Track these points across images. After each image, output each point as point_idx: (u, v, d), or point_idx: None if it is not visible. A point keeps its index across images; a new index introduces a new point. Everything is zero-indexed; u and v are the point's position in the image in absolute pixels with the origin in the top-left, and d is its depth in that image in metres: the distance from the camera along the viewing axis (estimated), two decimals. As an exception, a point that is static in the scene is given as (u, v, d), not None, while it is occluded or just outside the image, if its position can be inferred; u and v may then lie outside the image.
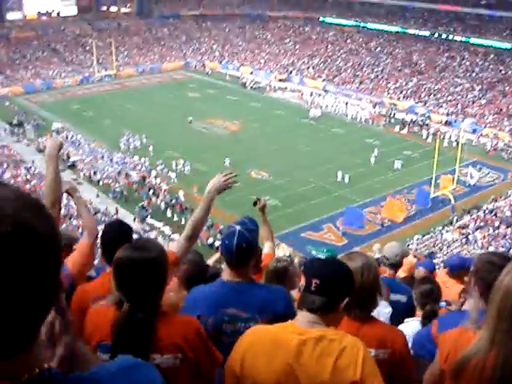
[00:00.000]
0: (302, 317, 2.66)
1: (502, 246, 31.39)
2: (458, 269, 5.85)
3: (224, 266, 3.61)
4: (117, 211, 35.20)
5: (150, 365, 1.60)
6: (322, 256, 7.45)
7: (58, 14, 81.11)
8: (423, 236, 33.21)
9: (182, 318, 3.01)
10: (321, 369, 2.51)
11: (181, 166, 41.56)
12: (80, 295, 3.72)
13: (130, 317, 2.75)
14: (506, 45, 63.04)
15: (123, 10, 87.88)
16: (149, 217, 35.12)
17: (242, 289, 3.40)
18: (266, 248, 5.25)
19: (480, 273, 3.28)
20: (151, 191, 38.03)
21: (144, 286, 2.75)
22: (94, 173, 40.28)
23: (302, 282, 2.75)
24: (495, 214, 35.90)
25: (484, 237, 32.94)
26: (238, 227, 3.39)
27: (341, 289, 2.68)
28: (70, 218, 31.83)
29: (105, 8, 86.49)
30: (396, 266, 5.69)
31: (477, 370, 2.32)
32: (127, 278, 2.76)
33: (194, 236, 3.86)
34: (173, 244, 3.70)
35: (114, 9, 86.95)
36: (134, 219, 34.93)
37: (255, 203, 5.62)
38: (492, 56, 63.69)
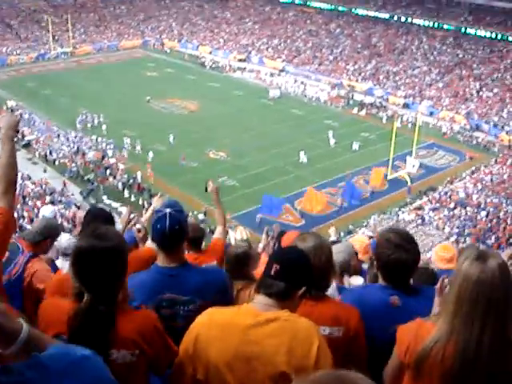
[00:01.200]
0: (259, 300, 2.65)
1: (458, 227, 32.00)
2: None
3: (157, 250, 3.55)
4: (64, 184, 34.87)
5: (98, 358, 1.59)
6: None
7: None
8: (379, 216, 33.60)
9: (139, 312, 2.92)
10: (274, 349, 2.48)
11: (129, 144, 41.34)
12: (59, 283, 3.63)
13: (91, 309, 2.65)
14: (463, 29, 63.74)
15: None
16: (105, 197, 34.70)
17: (176, 273, 3.40)
18: (217, 232, 5.18)
19: (378, 249, 3.38)
20: (108, 171, 37.58)
21: (104, 275, 2.66)
22: (50, 152, 39.59)
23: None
24: (450, 196, 36.51)
25: (439, 218, 33.49)
26: (167, 210, 3.38)
27: (300, 276, 2.67)
28: (25, 198, 31.20)
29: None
30: (344, 271, 5.19)
31: (437, 360, 2.32)
32: (87, 268, 2.65)
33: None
34: None
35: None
36: (81, 193, 34.72)
37: (206, 189, 5.55)
38: (450, 40, 64.37)
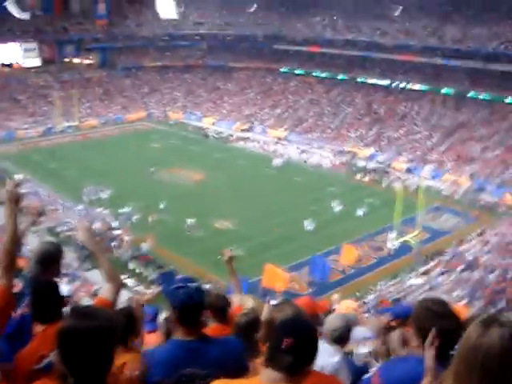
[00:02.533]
0: (268, 375, 2.58)
1: (467, 290, 31.59)
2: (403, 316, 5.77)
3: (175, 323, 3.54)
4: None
5: None
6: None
7: (21, 65, 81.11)
8: (387, 282, 33.30)
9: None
10: None
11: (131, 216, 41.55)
12: (21, 362, 3.41)
13: None
14: (462, 92, 64.71)
15: (86, 61, 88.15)
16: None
17: (195, 347, 3.38)
18: (236, 301, 5.18)
19: (419, 319, 3.28)
20: (114, 243, 37.51)
21: (91, 359, 2.50)
22: (55, 226, 39.66)
23: None
24: (458, 259, 36.23)
25: (448, 282, 33.13)
26: (193, 284, 3.40)
27: (311, 351, 2.63)
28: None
29: (68, 60, 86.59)
30: (338, 341, 5.16)
31: None
32: (75, 351, 2.49)
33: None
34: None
35: (76, 60, 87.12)
36: (79, 258, 34.90)
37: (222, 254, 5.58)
38: (450, 104, 65.25)
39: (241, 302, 5.54)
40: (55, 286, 3.91)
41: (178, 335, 3.46)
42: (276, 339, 2.63)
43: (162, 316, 5.69)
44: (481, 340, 2.13)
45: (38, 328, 3.70)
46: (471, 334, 2.17)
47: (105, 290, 4.09)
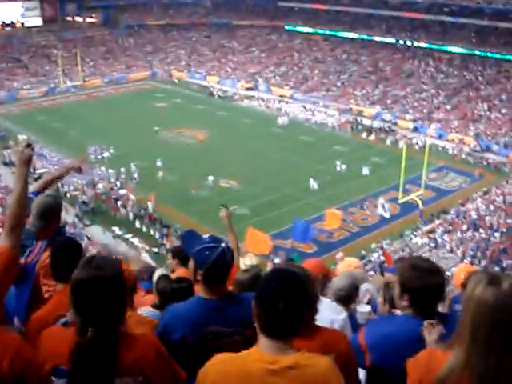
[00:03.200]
0: (267, 343, 2.49)
1: (471, 249, 31.74)
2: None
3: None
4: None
5: None
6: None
7: (23, 24, 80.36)
8: (392, 241, 33.43)
9: (141, 337, 2.84)
10: None
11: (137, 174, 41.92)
12: (36, 324, 3.43)
13: (94, 344, 2.59)
14: (469, 51, 64.00)
15: (88, 20, 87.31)
16: (117, 228, 34.72)
17: (221, 306, 3.34)
18: None
19: (403, 275, 3.24)
20: (119, 202, 37.65)
21: (106, 306, 2.60)
22: (62, 185, 39.74)
23: None
24: (464, 218, 36.31)
25: (452, 240, 33.25)
26: (223, 244, 3.36)
27: (304, 307, 2.57)
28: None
29: (70, 18, 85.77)
30: (344, 301, 5.05)
31: None
32: (88, 300, 2.59)
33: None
34: None
35: (79, 19, 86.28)
36: (77, 215, 35.38)
37: (222, 206, 5.54)
38: (456, 62, 64.60)
39: (237, 261, 5.50)
40: (77, 246, 3.97)
41: (201, 293, 3.42)
42: (266, 303, 2.52)
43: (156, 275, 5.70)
44: (498, 301, 2.13)
45: (59, 287, 3.75)
46: (484, 297, 2.16)
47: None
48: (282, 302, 2.45)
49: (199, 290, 3.46)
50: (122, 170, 41.99)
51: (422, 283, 3.13)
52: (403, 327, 3.19)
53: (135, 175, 41.42)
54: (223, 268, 3.32)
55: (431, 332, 2.96)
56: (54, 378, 2.68)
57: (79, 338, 2.62)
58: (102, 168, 42.84)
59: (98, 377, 2.56)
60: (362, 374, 3.43)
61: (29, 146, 3.53)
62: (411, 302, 3.20)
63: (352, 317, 4.82)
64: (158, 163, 42.97)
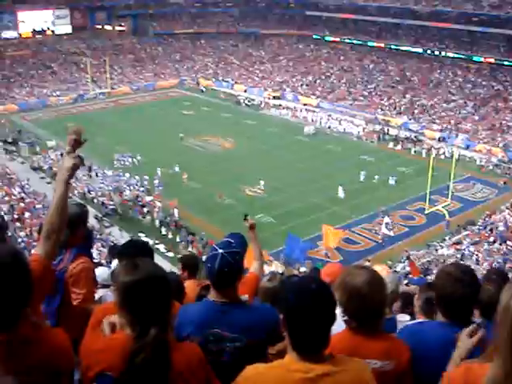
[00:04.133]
0: (302, 356, 2.55)
1: (498, 262, 31.36)
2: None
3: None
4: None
5: None
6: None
7: (53, 32, 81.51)
8: (418, 251, 33.19)
9: (185, 345, 2.90)
10: None
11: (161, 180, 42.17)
12: (101, 313, 3.45)
13: (156, 344, 2.59)
14: (497, 61, 63.46)
15: (118, 28, 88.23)
16: (142, 234, 34.90)
17: (227, 310, 3.39)
18: (252, 267, 5.18)
19: (438, 283, 3.27)
20: (145, 209, 37.88)
21: (162, 306, 2.67)
22: (89, 191, 40.16)
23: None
24: (490, 230, 35.93)
25: (479, 252, 32.90)
26: (220, 251, 3.40)
27: (333, 319, 2.61)
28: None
29: (99, 26, 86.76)
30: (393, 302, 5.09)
31: None
32: (140, 302, 2.63)
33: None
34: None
35: (108, 27, 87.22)
36: (96, 217, 35.48)
37: (246, 216, 5.56)
38: (485, 72, 64.09)
39: (260, 270, 5.50)
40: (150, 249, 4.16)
41: (212, 296, 3.50)
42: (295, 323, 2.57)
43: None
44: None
45: None
46: (508, 304, 2.10)
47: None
48: (315, 320, 2.50)
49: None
50: (146, 177, 42.38)
51: (454, 291, 3.16)
52: (436, 333, 3.22)
53: (157, 181, 41.75)
54: (219, 273, 3.35)
55: (472, 336, 2.96)
56: None
57: (137, 339, 2.61)
58: (128, 175, 43.20)
59: (154, 378, 2.57)
60: None
61: (79, 156, 3.49)
62: (445, 309, 3.25)
63: (392, 321, 4.80)
64: (176, 169, 43.72)
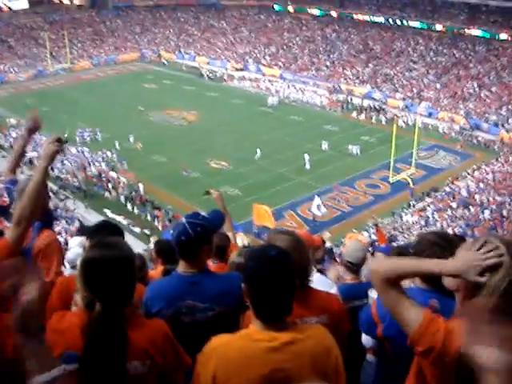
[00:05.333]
0: (266, 324, 2.57)
1: (461, 227, 31.91)
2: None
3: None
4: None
5: None
6: None
7: (10, 8, 79.46)
8: (383, 219, 33.55)
9: (150, 321, 2.90)
10: (298, 372, 2.47)
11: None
12: (64, 285, 3.58)
13: (103, 317, 2.60)
14: (458, 29, 63.86)
15: (76, 1, 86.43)
16: (108, 210, 34.65)
17: (196, 280, 3.42)
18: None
19: (415, 248, 3.34)
20: (110, 184, 37.56)
21: (114, 284, 2.63)
22: (52, 169, 39.57)
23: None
24: (453, 196, 36.48)
25: (443, 218, 33.43)
26: (184, 220, 3.44)
27: (294, 285, 2.62)
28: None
29: (57, 0, 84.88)
30: (356, 271, 5.29)
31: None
32: (98, 277, 2.62)
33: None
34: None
35: (66, 1, 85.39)
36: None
37: (207, 193, 5.53)
38: (446, 40, 64.48)
39: (234, 240, 5.54)
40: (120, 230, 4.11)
41: (179, 268, 3.49)
42: (257, 289, 2.61)
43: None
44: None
45: None
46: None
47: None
48: (276, 287, 2.52)
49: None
50: (108, 153, 42.16)
51: (431, 254, 3.18)
52: (415, 299, 3.23)
53: (115, 155, 41.82)
54: (185, 241, 3.36)
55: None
56: (64, 364, 2.68)
57: (87, 313, 2.64)
58: (93, 151, 42.74)
59: (109, 358, 2.56)
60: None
61: (58, 140, 3.44)
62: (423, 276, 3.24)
63: (361, 286, 4.92)
64: (131, 139, 44.10)
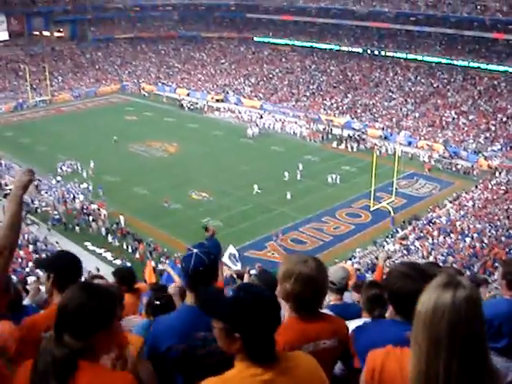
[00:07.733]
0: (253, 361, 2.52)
1: (442, 255, 32.00)
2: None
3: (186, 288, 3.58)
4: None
5: None
6: None
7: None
8: (365, 249, 33.59)
9: (114, 373, 2.73)
10: None
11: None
12: (30, 326, 3.47)
13: (50, 350, 2.48)
14: (435, 59, 64.89)
15: (56, 34, 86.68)
16: (89, 243, 34.35)
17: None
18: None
19: (387, 280, 3.37)
20: (91, 217, 37.30)
21: (97, 326, 2.54)
22: (32, 201, 39.31)
23: None
24: (434, 223, 36.65)
25: (424, 246, 33.51)
26: (195, 250, 3.42)
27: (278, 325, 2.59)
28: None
29: (37, 33, 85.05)
30: (342, 290, 5.53)
31: None
32: (77, 323, 2.51)
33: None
34: None
35: (46, 33, 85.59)
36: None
37: (206, 229, 5.50)
38: (423, 70, 65.42)
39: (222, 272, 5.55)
40: (78, 261, 3.95)
41: (188, 301, 3.49)
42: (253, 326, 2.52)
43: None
44: (452, 307, 1.99)
45: (57, 298, 3.65)
46: (439, 301, 2.03)
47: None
48: (270, 327, 2.50)
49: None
50: (85, 185, 42.12)
51: (403, 286, 3.18)
52: (389, 332, 3.20)
53: (91, 187, 41.80)
54: (194, 273, 3.37)
55: None
56: None
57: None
58: (74, 183, 42.54)
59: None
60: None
61: (30, 171, 3.48)
62: (395, 305, 3.30)
63: (346, 306, 5.10)
64: (91, 165, 44.76)
